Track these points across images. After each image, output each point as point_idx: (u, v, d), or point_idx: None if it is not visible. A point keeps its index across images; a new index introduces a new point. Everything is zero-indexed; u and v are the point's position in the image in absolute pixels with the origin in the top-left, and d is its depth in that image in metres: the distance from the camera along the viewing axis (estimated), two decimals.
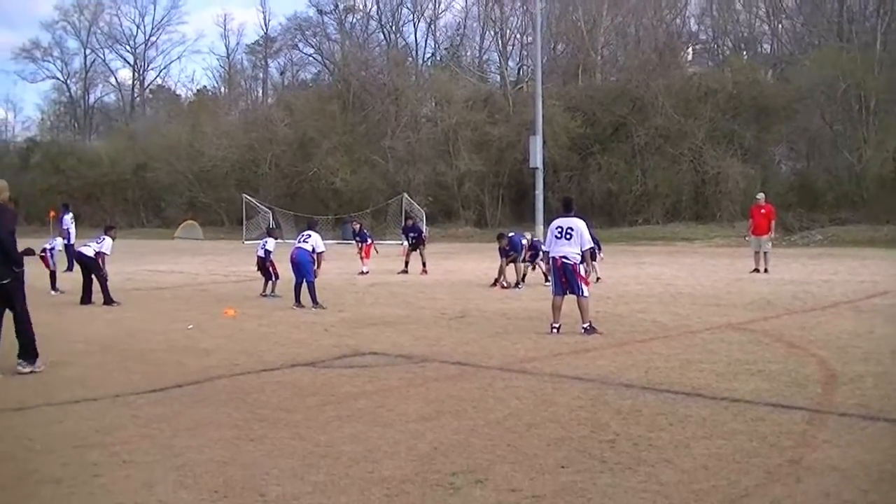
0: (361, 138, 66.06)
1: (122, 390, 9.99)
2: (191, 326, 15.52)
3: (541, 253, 22.39)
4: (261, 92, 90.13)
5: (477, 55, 76.98)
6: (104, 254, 20.12)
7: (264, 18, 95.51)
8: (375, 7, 79.13)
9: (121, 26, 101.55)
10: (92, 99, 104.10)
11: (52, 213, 43.14)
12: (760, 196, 28.47)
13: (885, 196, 47.65)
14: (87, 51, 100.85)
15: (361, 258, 28.56)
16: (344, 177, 61.93)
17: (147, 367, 11.61)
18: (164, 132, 79.63)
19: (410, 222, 30.90)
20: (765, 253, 26.62)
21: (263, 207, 60.18)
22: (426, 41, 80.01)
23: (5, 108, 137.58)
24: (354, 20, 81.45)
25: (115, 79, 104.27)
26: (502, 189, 60.73)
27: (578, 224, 14.18)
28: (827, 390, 9.59)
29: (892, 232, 43.52)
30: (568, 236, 14.00)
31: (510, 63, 72.12)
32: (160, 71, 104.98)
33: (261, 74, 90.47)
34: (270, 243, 22.14)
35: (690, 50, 70.40)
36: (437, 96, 63.78)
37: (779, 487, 6.38)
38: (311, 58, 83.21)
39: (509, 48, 72.27)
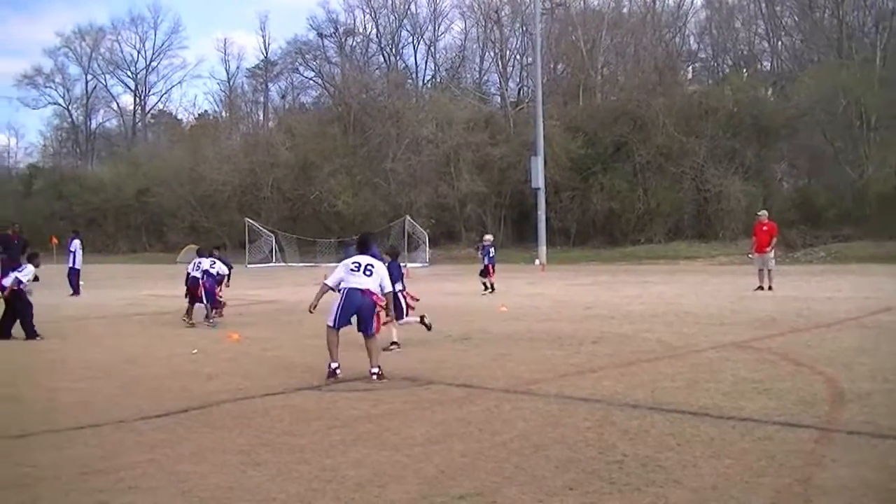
0: (363, 161, 66.23)
1: (126, 416, 9.94)
2: (195, 351, 15.47)
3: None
4: (262, 115, 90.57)
5: (477, 76, 77.41)
6: (21, 282, 18.29)
7: (264, 42, 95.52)
8: (375, 30, 79.75)
9: (122, 52, 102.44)
10: (94, 124, 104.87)
11: (53, 240, 43.17)
12: (763, 213, 28.40)
13: (888, 212, 47.66)
14: (89, 76, 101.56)
15: None
16: (346, 199, 62.12)
17: (151, 392, 11.57)
18: (166, 157, 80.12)
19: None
20: (768, 270, 26.56)
21: (266, 231, 60.23)
22: (426, 63, 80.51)
23: (8, 135, 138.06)
24: (354, 43, 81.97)
25: (117, 104, 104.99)
26: (504, 210, 60.86)
27: (378, 265, 12.74)
28: (834, 408, 9.54)
29: (895, 248, 43.50)
30: (368, 272, 12.39)
31: (510, 84, 72.51)
32: (161, 96, 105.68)
33: (261, 98, 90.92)
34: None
35: (690, 68, 70.61)
36: (437, 118, 63.86)
37: None
38: (311, 81, 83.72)
39: (509, 69, 72.62)
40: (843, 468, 7.21)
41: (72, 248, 31.55)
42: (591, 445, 8.09)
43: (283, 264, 57.64)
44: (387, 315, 13.47)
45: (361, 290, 12.22)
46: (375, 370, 12.13)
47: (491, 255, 28.63)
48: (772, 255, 27.00)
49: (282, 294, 21.09)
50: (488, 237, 30.62)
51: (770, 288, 26.11)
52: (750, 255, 29.27)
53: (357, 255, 12.82)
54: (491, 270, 28.52)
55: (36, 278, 18.14)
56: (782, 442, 8.06)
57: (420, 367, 13.13)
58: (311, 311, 12.41)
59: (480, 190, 59.42)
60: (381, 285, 12.42)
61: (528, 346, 15.13)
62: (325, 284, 12.60)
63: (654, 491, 6.71)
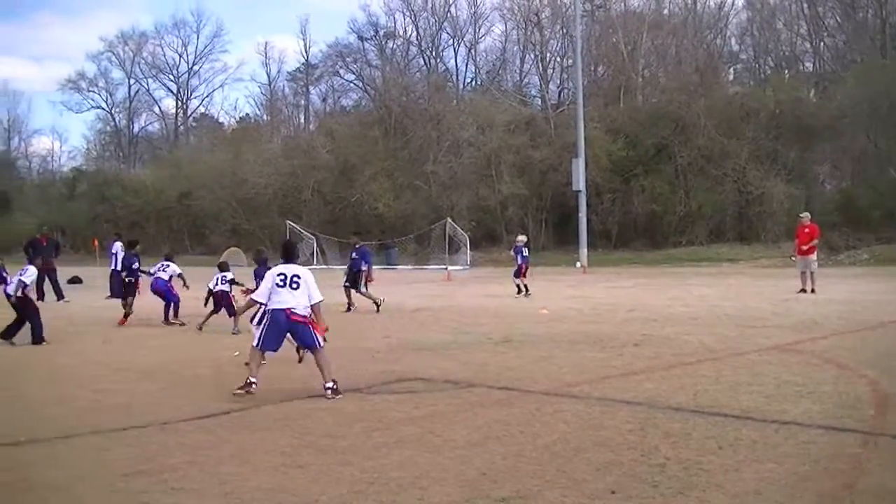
0: (404, 164, 66.28)
1: (169, 417, 10.01)
2: (237, 353, 15.51)
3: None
4: (302, 119, 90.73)
5: (517, 79, 77.11)
6: (26, 284, 18.04)
7: (305, 46, 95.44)
8: (415, 33, 79.72)
9: (164, 56, 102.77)
10: (136, 128, 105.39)
11: (95, 242, 43.35)
12: (805, 215, 28.19)
13: None
14: (132, 81, 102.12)
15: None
16: (387, 202, 62.19)
17: (193, 394, 11.63)
18: (208, 160, 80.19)
19: (355, 240, 26.13)
20: (811, 273, 26.37)
21: (307, 234, 60.34)
22: (466, 66, 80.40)
23: (52, 138, 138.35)
24: (395, 46, 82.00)
25: (159, 108, 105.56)
26: (545, 212, 60.62)
27: (305, 273, 11.92)
28: (879, 412, 9.46)
29: None
30: (294, 285, 11.60)
31: (551, 86, 72.11)
32: (203, 99, 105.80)
33: (302, 101, 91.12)
34: (229, 275, 21.41)
35: (731, 70, 70.18)
36: (478, 120, 63.59)
37: None
38: (352, 84, 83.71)
39: (550, 71, 72.32)
40: (889, 472, 7.16)
41: (114, 251, 31.77)
42: (633, 448, 8.07)
43: (324, 266, 57.74)
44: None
45: (286, 311, 11.52)
46: (330, 384, 11.34)
47: (525, 255, 28.71)
48: (814, 257, 26.81)
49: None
50: (521, 238, 30.60)
51: (813, 290, 25.93)
52: (792, 258, 29.06)
53: (282, 264, 12.05)
54: (524, 271, 28.52)
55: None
56: (826, 446, 8.00)
57: (461, 369, 13.12)
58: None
59: (521, 192, 59.25)
60: (309, 296, 11.63)
61: (569, 349, 15.10)
62: (253, 300, 12.24)
63: (696, 495, 6.68)
